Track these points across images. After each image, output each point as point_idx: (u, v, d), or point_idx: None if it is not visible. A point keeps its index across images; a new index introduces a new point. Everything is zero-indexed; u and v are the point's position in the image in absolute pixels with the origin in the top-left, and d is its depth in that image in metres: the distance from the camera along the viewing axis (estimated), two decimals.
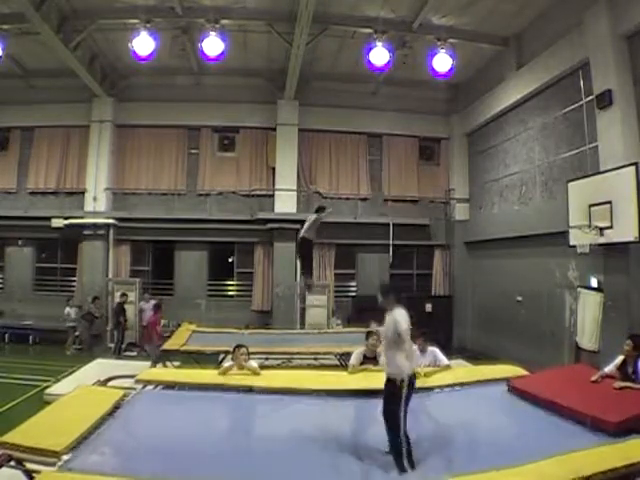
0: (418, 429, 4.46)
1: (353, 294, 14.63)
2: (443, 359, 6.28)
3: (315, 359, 9.20)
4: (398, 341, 3.83)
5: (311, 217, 8.99)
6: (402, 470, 3.54)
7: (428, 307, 13.94)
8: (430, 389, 5.30)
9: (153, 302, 11.73)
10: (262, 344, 8.78)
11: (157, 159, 14.50)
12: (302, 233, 9.06)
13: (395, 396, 3.70)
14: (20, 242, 14.36)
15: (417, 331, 6.43)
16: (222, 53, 10.66)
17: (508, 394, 5.08)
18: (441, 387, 5.38)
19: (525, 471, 3.20)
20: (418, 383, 5.18)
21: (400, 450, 3.57)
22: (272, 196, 14.14)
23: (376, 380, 5.48)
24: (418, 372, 5.71)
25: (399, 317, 3.89)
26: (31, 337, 13.26)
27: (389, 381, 3.81)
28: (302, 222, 13.56)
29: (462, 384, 5.49)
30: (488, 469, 3.26)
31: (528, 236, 11.09)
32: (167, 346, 8.77)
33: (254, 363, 6.14)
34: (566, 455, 3.35)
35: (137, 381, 5.42)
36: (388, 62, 10.93)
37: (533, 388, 4.85)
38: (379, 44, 10.72)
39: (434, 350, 6.38)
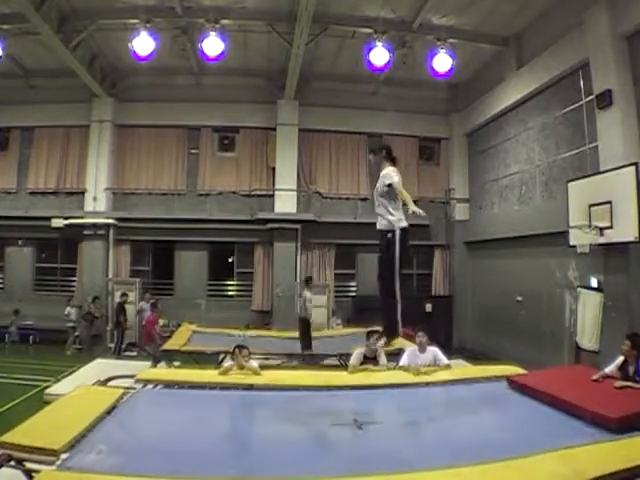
0: (418, 424, 4.47)
1: (353, 294, 14.63)
2: (443, 359, 6.27)
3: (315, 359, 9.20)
4: (390, 193, 3.96)
5: (306, 294, 9.77)
6: (394, 333, 3.50)
7: (428, 307, 13.94)
8: (429, 385, 5.31)
9: (152, 302, 11.74)
10: (262, 344, 8.80)
11: (157, 159, 14.51)
12: (302, 314, 9.73)
13: (393, 247, 3.70)
14: (20, 242, 14.36)
15: (416, 328, 6.45)
16: (222, 53, 10.66)
17: (508, 390, 5.08)
18: (441, 383, 5.38)
19: (525, 465, 3.20)
20: (417, 379, 5.20)
21: (394, 305, 3.52)
22: (272, 196, 14.14)
23: (377, 380, 5.50)
24: (417, 370, 5.74)
25: (391, 172, 4.04)
26: (31, 337, 13.26)
27: (385, 234, 3.83)
28: (302, 222, 13.78)
29: (461, 381, 5.49)
30: (487, 462, 3.26)
31: (528, 236, 11.10)
32: (167, 346, 8.78)
33: (255, 363, 6.14)
34: (566, 450, 3.34)
35: (137, 381, 5.42)
36: (388, 62, 10.94)
37: (533, 384, 4.86)
38: (379, 44, 10.73)
39: (434, 349, 6.38)
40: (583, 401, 4.16)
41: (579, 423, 3.98)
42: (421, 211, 3.71)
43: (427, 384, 5.33)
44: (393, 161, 4.16)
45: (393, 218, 3.83)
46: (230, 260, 14.74)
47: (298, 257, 14.02)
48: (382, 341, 4.15)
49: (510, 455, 3.32)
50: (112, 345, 12.70)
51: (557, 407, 4.31)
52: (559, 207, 9.53)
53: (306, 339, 9.40)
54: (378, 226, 4.00)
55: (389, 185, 3.91)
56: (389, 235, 3.74)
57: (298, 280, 13.95)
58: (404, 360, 6.21)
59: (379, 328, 6.61)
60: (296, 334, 9.72)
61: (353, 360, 6.17)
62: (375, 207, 4.17)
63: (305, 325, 9.56)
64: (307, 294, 9.83)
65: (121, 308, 12.63)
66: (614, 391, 4.53)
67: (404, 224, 3.87)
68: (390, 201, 3.90)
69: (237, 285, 14.71)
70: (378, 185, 4.06)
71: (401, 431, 4.14)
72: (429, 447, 3.89)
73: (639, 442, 3.49)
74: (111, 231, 13.86)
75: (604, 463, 3.14)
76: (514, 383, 5.07)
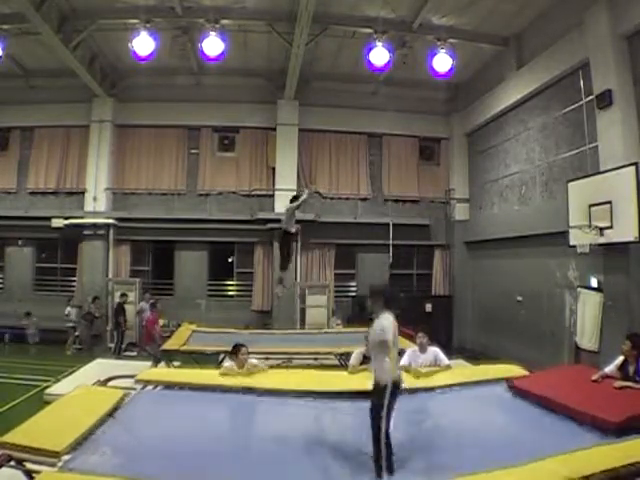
0: (419, 429, 4.47)
1: (353, 294, 14.63)
2: (444, 359, 6.27)
3: (315, 359, 9.20)
4: (383, 347, 3.75)
5: (289, 205, 8.53)
6: (379, 475, 3.50)
7: (428, 307, 13.96)
8: (431, 389, 5.31)
9: (152, 302, 11.74)
10: (262, 344, 8.80)
11: (157, 159, 14.51)
12: (283, 225, 8.66)
13: (379, 401, 3.65)
14: (20, 242, 14.36)
15: (417, 328, 6.44)
16: (222, 53, 10.66)
17: (508, 393, 5.08)
18: (442, 387, 5.38)
19: (526, 470, 3.19)
20: (419, 383, 5.20)
21: (379, 455, 3.52)
22: (272, 196, 14.14)
23: None
24: (418, 370, 5.72)
25: (386, 324, 3.79)
26: (28, 337, 13.24)
27: (375, 385, 3.76)
28: (302, 222, 13.75)
29: (462, 384, 5.48)
30: (489, 468, 3.25)
31: (528, 236, 11.09)
32: (167, 346, 8.77)
33: (255, 361, 6.14)
34: (567, 454, 3.34)
35: (137, 381, 5.42)
36: (388, 62, 10.93)
37: (533, 387, 4.86)
38: (379, 44, 10.72)
39: (435, 350, 6.38)
40: (583, 404, 4.16)
41: (579, 426, 3.98)
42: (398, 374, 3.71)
43: (427, 386, 5.33)
44: (389, 306, 3.97)
45: (386, 372, 3.70)
46: (230, 260, 14.74)
47: (298, 257, 14.02)
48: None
49: (510, 459, 3.33)
50: (112, 345, 12.70)
51: (557, 410, 4.32)
52: (559, 207, 9.53)
53: (286, 254, 8.95)
54: (373, 376, 3.88)
55: (381, 342, 3.78)
56: (379, 387, 3.67)
57: (298, 280, 13.97)
58: (405, 360, 6.21)
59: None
60: (296, 331, 9.64)
61: (353, 360, 6.17)
62: (371, 353, 4.02)
63: (288, 238, 8.90)
64: (289, 204, 8.58)
65: (121, 308, 12.63)
66: (614, 392, 4.52)
67: (395, 376, 3.74)
68: (381, 353, 3.77)
69: (237, 285, 14.71)
70: (374, 335, 3.84)
71: (401, 433, 4.13)
72: (430, 451, 3.89)
73: (638, 444, 3.49)
74: (111, 231, 13.86)
75: (605, 466, 3.14)
76: (514, 386, 5.07)
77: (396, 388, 3.74)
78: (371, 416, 3.71)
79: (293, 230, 8.71)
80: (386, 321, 3.82)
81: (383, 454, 3.53)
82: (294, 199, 8.68)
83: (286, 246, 9.00)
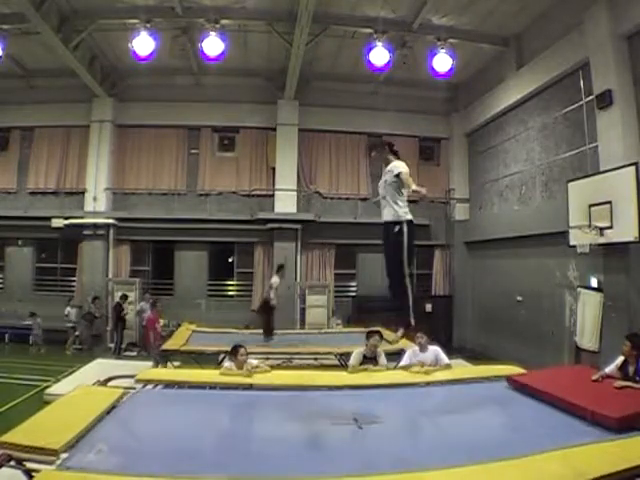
0: (418, 424, 4.47)
1: (353, 294, 14.63)
2: (444, 358, 6.27)
3: (315, 359, 9.20)
4: (396, 185, 4.00)
5: (276, 280, 9.65)
6: (408, 324, 3.57)
7: (428, 307, 13.96)
8: (430, 385, 5.31)
9: (152, 302, 11.74)
10: (262, 344, 8.80)
11: (157, 159, 14.51)
12: (268, 296, 9.72)
13: (401, 239, 3.84)
14: (20, 242, 14.36)
15: (417, 328, 6.43)
16: (222, 53, 10.67)
17: (507, 389, 5.08)
18: (441, 383, 5.39)
19: (524, 465, 3.19)
20: (418, 379, 5.21)
21: (407, 302, 3.60)
22: (272, 196, 14.15)
23: (377, 380, 5.50)
24: (422, 364, 5.73)
25: (399, 163, 4.09)
26: (31, 337, 13.24)
27: (393, 226, 3.96)
28: (302, 222, 13.78)
29: (462, 380, 5.49)
30: (488, 462, 3.25)
31: (528, 236, 11.09)
32: (167, 346, 8.77)
33: (255, 362, 6.14)
34: (566, 450, 3.34)
35: (137, 381, 5.42)
36: (388, 62, 10.95)
37: (533, 383, 4.86)
38: (379, 44, 10.73)
39: (436, 349, 6.37)
40: (583, 401, 4.15)
41: (579, 423, 3.98)
42: (423, 190, 3.79)
43: (427, 384, 5.34)
44: (397, 155, 4.26)
45: (401, 210, 3.97)
46: (230, 260, 14.74)
47: (298, 257, 14.03)
48: (399, 332, 4.17)
49: (510, 455, 3.32)
50: (112, 345, 12.71)
51: (557, 407, 4.31)
52: (559, 207, 9.53)
53: (268, 324, 9.49)
54: (384, 218, 4.09)
55: (397, 175, 3.99)
56: (396, 227, 3.86)
57: (298, 280, 13.97)
58: (405, 360, 6.21)
59: (379, 329, 6.64)
60: (296, 331, 9.74)
61: (353, 360, 6.17)
62: (381, 200, 4.23)
63: (267, 308, 9.64)
64: (275, 279, 9.74)
65: (120, 308, 12.64)
66: (614, 391, 4.52)
67: (410, 217, 3.98)
68: (397, 193, 4.01)
69: (237, 285, 14.71)
70: (385, 178, 4.14)
71: (401, 431, 4.14)
72: (429, 447, 3.89)
73: (639, 442, 3.49)
74: (111, 231, 13.86)
75: (604, 463, 3.14)
76: (514, 383, 5.08)
77: (412, 228, 3.96)
78: (393, 259, 3.87)
79: (275, 302, 9.68)
80: (399, 163, 4.13)
81: (410, 296, 3.59)
82: (280, 270, 9.88)
83: (268, 315, 9.70)
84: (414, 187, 3.86)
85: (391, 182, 4.06)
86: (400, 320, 3.69)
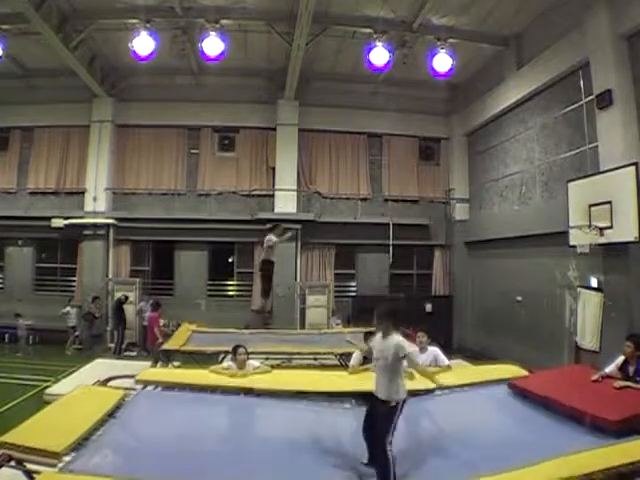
0: (419, 431, 4.47)
1: (353, 294, 14.63)
2: (443, 359, 6.26)
3: (315, 359, 9.19)
4: (398, 363, 3.86)
5: (272, 239, 9.02)
6: None
7: (428, 307, 13.96)
8: (431, 391, 5.29)
9: (152, 302, 11.75)
10: (262, 344, 8.79)
11: (157, 159, 14.51)
12: (264, 256, 9.19)
13: (389, 419, 3.72)
14: (20, 242, 14.36)
15: (416, 328, 6.43)
16: (222, 53, 10.67)
17: (509, 395, 5.07)
18: (442, 388, 5.37)
19: (527, 474, 3.19)
20: (420, 385, 5.20)
21: (388, 472, 3.53)
22: (272, 196, 14.15)
23: None
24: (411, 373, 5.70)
25: (401, 340, 3.93)
26: (31, 337, 13.24)
27: (384, 403, 3.82)
28: (302, 222, 13.77)
29: (463, 385, 5.47)
30: (489, 471, 3.25)
31: (528, 236, 11.09)
32: (167, 346, 8.77)
33: (256, 362, 6.15)
34: (567, 456, 3.34)
35: (137, 381, 5.42)
36: (388, 62, 10.94)
37: (533, 387, 4.85)
38: (379, 44, 10.73)
39: (435, 350, 6.36)
40: (583, 404, 4.15)
41: (580, 426, 3.98)
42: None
43: (427, 388, 5.31)
44: (398, 328, 4.08)
45: (398, 389, 3.84)
46: (230, 260, 14.74)
47: (298, 257, 14.02)
48: None
49: (510, 460, 3.32)
50: (112, 345, 12.71)
51: (558, 411, 4.31)
52: (559, 207, 9.53)
53: (269, 285, 9.20)
54: (376, 391, 3.92)
55: (402, 357, 3.88)
56: (391, 404, 3.76)
57: (298, 280, 13.97)
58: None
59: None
60: (296, 331, 9.68)
61: (353, 361, 6.17)
62: (377, 372, 4.06)
63: (269, 267, 9.14)
64: (270, 237, 9.01)
65: (119, 306, 12.64)
66: (614, 392, 4.52)
67: (404, 396, 3.87)
68: (396, 371, 3.87)
69: (237, 285, 14.70)
70: (387, 354, 3.91)
71: (401, 434, 4.13)
72: (429, 453, 3.89)
73: (639, 445, 3.49)
74: (111, 231, 13.86)
75: (605, 467, 3.13)
76: (515, 387, 5.07)
77: (403, 405, 3.84)
78: (377, 434, 3.75)
79: (273, 259, 9.13)
80: (400, 339, 3.94)
81: (392, 466, 3.53)
82: (277, 229, 9.00)
83: (267, 274, 9.23)
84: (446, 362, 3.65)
85: (392, 361, 3.87)
86: None
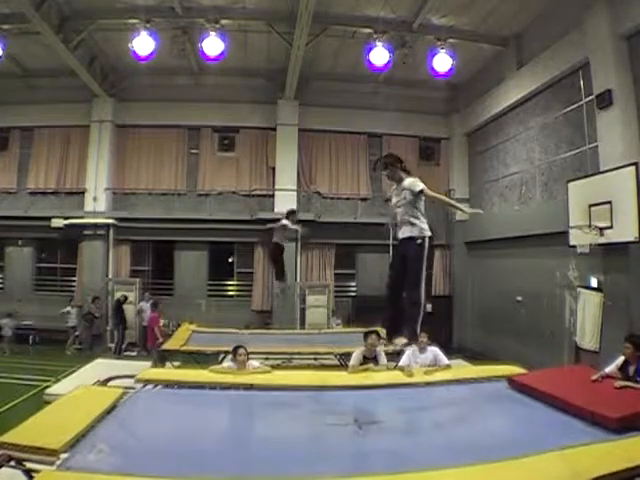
0: (418, 424, 4.47)
1: (353, 294, 14.64)
2: (443, 359, 6.26)
3: (315, 359, 9.19)
4: (416, 201, 4.03)
5: (285, 222, 8.86)
6: (413, 338, 3.59)
7: (428, 307, 13.88)
8: (430, 384, 5.31)
9: (152, 302, 11.76)
10: (262, 344, 8.79)
11: (157, 159, 14.52)
12: (274, 238, 9.03)
13: (419, 254, 3.88)
14: (20, 242, 14.37)
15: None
16: (222, 53, 10.68)
17: (508, 390, 5.07)
18: (441, 383, 5.38)
19: (525, 465, 3.19)
20: (417, 379, 5.21)
21: (417, 315, 3.60)
22: (272, 196, 14.16)
23: (377, 380, 5.50)
24: (410, 371, 5.72)
25: (413, 180, 4.11)
26: (31, 337, 13.25)
27: (411, 240, 3.97)
28: (302, 222, 13.74)
29: (462, 381, 5.49)
30: (488, 462, 3.25)
31: (528, 236, 11.09)
32: (167, 346, 8.77)
33: (256, 363, 6.15)
34: (566, 450, 3.34)
35: (137, 381, 5.42)
36: (388, 62, 10.96)
37: (533, 384, 4.85)
38: (379, 44, 10.75)
39: (435, 350, 6.37)
40: (583, 401, 4.15)
41: (579, 423, 3.97)
42: (478, 210, 3.87)
43: (427, 384, 5.33)
44: (408, 171, 4.23)
45: (422, 225, 3.97)
46: (230, 260, 14.75)
47: (298, 257, 14.02)
48: (402, 340, 4.14)
49: (510, 455, 3.32)
50: (112, 345, 12.71)
51: (557, 407, 4.31)
52: (559, 207, 9.53)
53: (279, 267, 9.16)
54: (402, 235, 4.06)
55: (419, 192, 3.98)
56: (418, 240, 3.85)
57: (298, 280, 13.97)
58: (404, 360, 6.20)
59: (377, 328, 6.64)
60: (296, 331, 9.68)
61: (353, 361, 6.17)
62: (400, 216, 4.21)
63: (278, 250, 9.09)
64: (284, 221, 8.86)
65: (118, 305, 12.65)
66: (614, 391, 4.52)
67: (430, 233, 3.99)
68: (417, 210, 4.00)
69: (237, 285, 14.71)
70: (403, 196, 4.08)
71: (401, 431, 4.13)
72: (429, 447, 3.89)
73: (639, 442, 3.49)
74: (111, 231, 13.86)
75: (604, 463, 3.13)
76: (514, 383, 5.07)
77: (431, 244, 4.04)
78: (411, 271, 3.88)
79: (284, 244, 9.08)
80: (412, 178, 4.14)
81: (423, 305, 3.59)
82: (290, 215, 8.96)
83: (280, 258, 9.17)
84: (468, 210, 4.08)
85: (410, 199, 4.02)
86: (408, 330, 3.69)
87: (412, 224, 4.03)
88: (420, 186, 4.04)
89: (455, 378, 5.53)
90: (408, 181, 4.14)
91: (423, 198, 4.14)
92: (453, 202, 4.18)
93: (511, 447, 3.55)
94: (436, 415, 4.65)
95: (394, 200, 4.27)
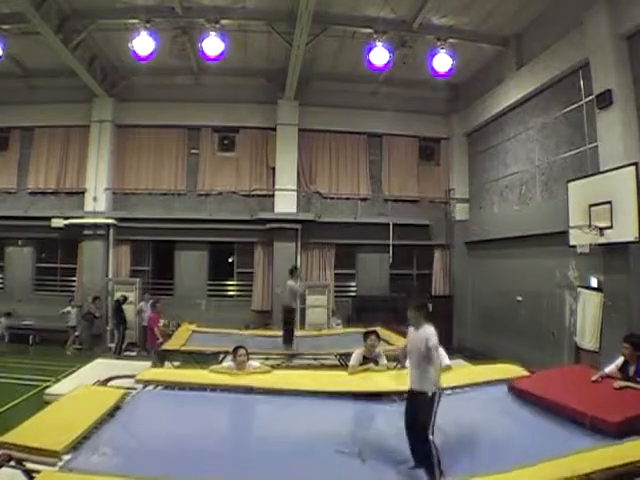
0: None
1: (353, 294, 14.63)
2: (444, 359, 6.25)
3: (315, 359, 9.20)
4: (429, 356, 3.96)
5: (292, 285, 9.22)
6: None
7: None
8: None
9: (152, 302, 11.74)
10: (262, 344, 8.80)
11: (157, 159, 14.51)
12: (287, 302, 9.39)
13: (428, 409, 3.81)
14: (20, 242, 14.36)
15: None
16: (222, 53, 10.66)
17: (509, 396, 5.07)
18: (442, 389, 5.36)
19: (525, 474, 3.18)
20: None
21: (432, 460, 3.61)
22: (272, 196, 14.15)
23: (377, 380, 5.50)
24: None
25: (430, 333, 4.03)
26: (31, 337, 13.25)
27: (421, 395, 3.92)
28: (302, 222, 13.78)
29: (463, 386, 5.47)
30: (487, 472, 3.25)
31: (528, 236, 11.09)
32: (167, 346, 8.77)
33: (256, 363, 6.16)
34: (566, 457, 3.34)
35: (137, 381, 5.42)
36: (388, 62, 10.93)
37: (534, 389, 4.85)
38: (379, 44, 10.73)
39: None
40: (583, 405, 4.15)
41: (579, 428, 3.98)
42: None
43: None
44: (428, 317, 4.23)
45: (433, 379, 3.95)
46: (230, 260, 14.74)
47: (298, 257, 14.02)
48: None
49: (510, 461, 3.32)
50: (112, 345, 12.71)
51: (557, 412, 4.31)
52: (559, 207, 9.53)
53: (289, 331, 9.19)
54: (413, 385, 4.08)
55: (429, 349, 3.97)
56: (428, 395, 3.87)
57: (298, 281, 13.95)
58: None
59: (377, 328, 6.65)
60: (296, 331, 9.66)
61: (353, 361, 6.17)
62: (412, 366, 4.22)
63: (289, 314, 9.30)
64: (291, 283, 9.27)
65: (118, 308, 12.64)
66: (614, 393, 4.52)
67: (440, 385, 3.99)
68: (428, 363, 3.99)
69: (237, 285, 14.70)
70: (419, 346, 4.06)
71: (400, 437, 4.13)
72: None
73: (638, 446, 3.48)
74: (111, 231, 13.86)
75: (604, 468, 3.13)
76: (514, 388, 5.07)
77: (440, 394, 3.93)
78: (417, 428, 3.83)
79: (295, 306, 9.37)
80: (431, 330, 4.07)
81: (435, 461, 3.59)
82: (293, 273, 9.44)
83: (291, 320, 9.40)
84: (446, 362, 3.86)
85: (424, 352, 3.99)
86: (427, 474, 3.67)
87: (422, 377, 4.00)
88: (434, 343, 4.00)
89: (456, 383, 5.50)
90: (427, 332, 4.07)
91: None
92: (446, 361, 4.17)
93: (512, 454, 3.55)
94: (436, 420, 4.65)
95: (409, 346, 4.26)
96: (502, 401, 5.02)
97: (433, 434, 3.72)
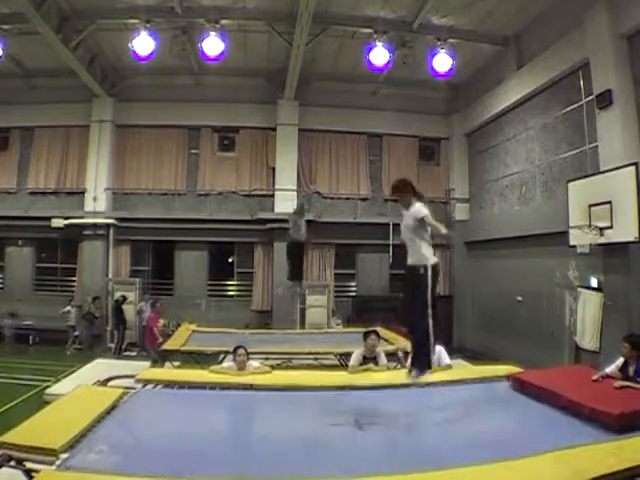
0: (419, 425, 4.47)
1: (353, 294, 14.63)
2: (445, 358, 6.24)
3: (315, 359, 9.19)
4: (420, 228, 4.00)
5: (292, 217, 8.91)
6: (426, 368, 3.54)
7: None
8: (430, 385, 5.30)
9: (152, 302, 11.76)
10: (262, 344, 8.79)
11: (157, 159, 14.52)
12: (292, 235, 8.93)
13: (424, 284, 3.82)
14: (20, 242, 14.37)
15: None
16: (222, 53, 10.68)
17: (509, 390, 5.07)
18: (441, 383, 5.38)
19: (525, 465, 3.18)
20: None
21: (427, 345, 3.57)
22: (272, 196, 14.16)
23: (377, 380, 5.50)
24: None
25: (419, 207, 4.09)
26: (31, 337, 13.25)
27: (414, 270, 3.93)
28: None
29: (462, 381, 5.49)
30: (488, 462, 3.25)
31: (528, 236, 11.09)
32: (167, 346, 8.76)
33: (256, 363, 6.16)
34: (566, 450, 3.34)
35: (137, 381, 5.42)
36: (388, 62, 10.96)
37: (534, 383, 4.85)
38: (379, 44, 10.75)
39: (438, 349, 6.33)
40: (583, 399, 4.15)
41: (579, 422, 3.97)
42: (449, 234, 3.88)
43: (427, 384, 5.33)
44: (419, 197, 4.24)
45: (426, 253, 3.98)
46: (230, 260, 14.75)
47: None
48: (416, 372, 4.20)
49: (510, 455, 3.32)
50: (112, 345, 12.71)
51: (557, 406, 4.31)
52: (559, 207, 9.53)
53: (296, 266, 8.82)
54: (409, 261, 4.07)
55: (421, 219, 3.98)
56: (420, 271, 3.84)
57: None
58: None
59: (377, 328, 6.65)
60: (296, 331, 9.65)
61: (353, 361, 6.17)
62: (406, 241, 4.25)
63: (298, 247, 8.90)
64: (294, 217, 8.87)
65: (118, 308, 12.64)
66: (614, 390, 4.52)
67: (434, 260, 3.96)
68: (421, 237, 4.01)
69: (237, 285, 14.71)
70: (408, 222, 4.12)
71: (401, 431, 4.13)
72: (429, 447, 3.89)
73: (639, 442, 3.48)
74: (111, 231, 13.86)
75: (604, 463, 3.13)
76: (514, 382, 5.07)
77: (435, 272, 3.93)
78: (417, 301, 3.83)
79: (302, 239, 8.86)
80: (420, 205, 4.12)
81: (431, 334, 3.60)
82: (298, 211, 8.80)
83: (297, 256, 8.96)
84: (443, 231, 3.95)
85: (415, 226, 4.02)
86: (419, 362, 3.65)
87: (415, 252, 4.03)
88: (423, 213, 4.02)
89: (455, 378, 5.53)
90: (416, 207, 4.14)
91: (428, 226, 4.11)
92: (439, 226, 4.15)
93: (511, 447, 3.55)
94: (436, 415, 4.65)
95: (402, 225, 4.27)
96: (501, 395, 5.02)
97: (434, 308, 3.70)
